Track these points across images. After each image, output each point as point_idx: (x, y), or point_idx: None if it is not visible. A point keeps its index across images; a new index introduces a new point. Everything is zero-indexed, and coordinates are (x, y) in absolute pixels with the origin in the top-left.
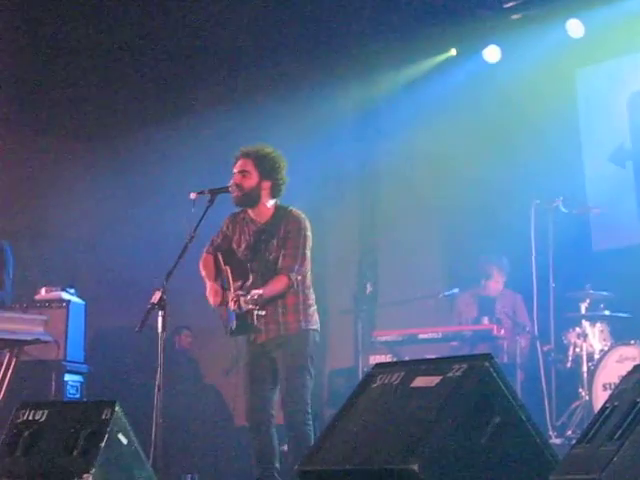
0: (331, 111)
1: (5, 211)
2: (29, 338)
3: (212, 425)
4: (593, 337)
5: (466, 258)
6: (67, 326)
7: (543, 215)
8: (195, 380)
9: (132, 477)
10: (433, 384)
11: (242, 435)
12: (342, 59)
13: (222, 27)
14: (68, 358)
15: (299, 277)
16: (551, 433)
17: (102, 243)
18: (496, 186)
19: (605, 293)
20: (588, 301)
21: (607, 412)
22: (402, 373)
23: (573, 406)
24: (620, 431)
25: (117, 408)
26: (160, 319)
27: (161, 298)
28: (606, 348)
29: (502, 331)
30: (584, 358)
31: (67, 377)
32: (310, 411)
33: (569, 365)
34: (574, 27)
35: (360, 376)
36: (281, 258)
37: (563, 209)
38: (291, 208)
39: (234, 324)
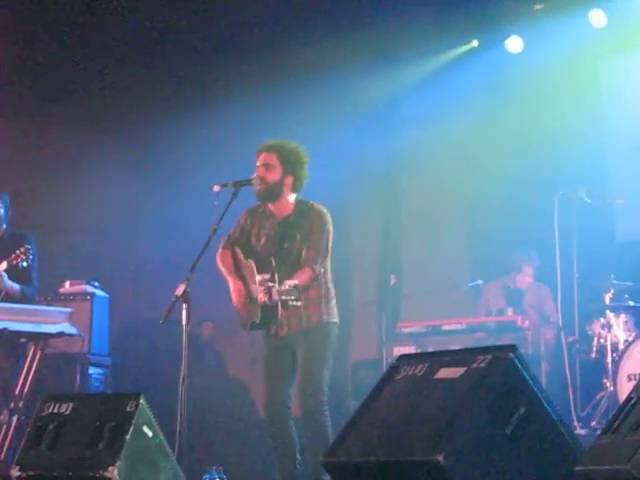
0: (354, 103)
1: (29, 204)
2: (54, 331)
3: (237, 417)
4: (617, 328)
5: (490, 249)
6: (91, 319)
7: (567, 205)
8: (220, 372)
9: (157, 469)
10: (457, 375)
11: (266, 427)
12: (365, 51)
13: (244, 18)
14: (93, 351)
15: (322, 270)
16: (576, 424)
17: (126, 236)
18: (519, 177)
19: (629, 283)
20: (612, 291)
21: (632, 402)
22: (426, 364)
23: (598, 397)
24: None
25: (142, 400)
26: (184, 312)
27: (185, 291)
28: (630, 339)
29: (526, 322)
30: (608, 349)
31: (92, 370)
32: (326, 402)
33: (593, 356)
34: (597, 17)
35: (384, 368)
36: (305, 251)
37: (587, 199)
38: (312, 202)
39: (258, 317)
